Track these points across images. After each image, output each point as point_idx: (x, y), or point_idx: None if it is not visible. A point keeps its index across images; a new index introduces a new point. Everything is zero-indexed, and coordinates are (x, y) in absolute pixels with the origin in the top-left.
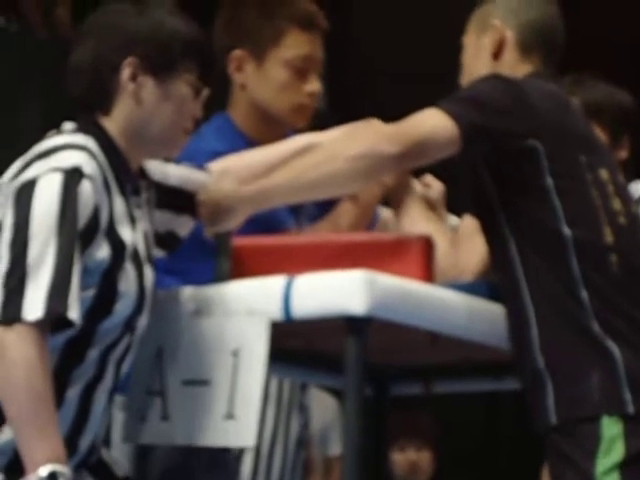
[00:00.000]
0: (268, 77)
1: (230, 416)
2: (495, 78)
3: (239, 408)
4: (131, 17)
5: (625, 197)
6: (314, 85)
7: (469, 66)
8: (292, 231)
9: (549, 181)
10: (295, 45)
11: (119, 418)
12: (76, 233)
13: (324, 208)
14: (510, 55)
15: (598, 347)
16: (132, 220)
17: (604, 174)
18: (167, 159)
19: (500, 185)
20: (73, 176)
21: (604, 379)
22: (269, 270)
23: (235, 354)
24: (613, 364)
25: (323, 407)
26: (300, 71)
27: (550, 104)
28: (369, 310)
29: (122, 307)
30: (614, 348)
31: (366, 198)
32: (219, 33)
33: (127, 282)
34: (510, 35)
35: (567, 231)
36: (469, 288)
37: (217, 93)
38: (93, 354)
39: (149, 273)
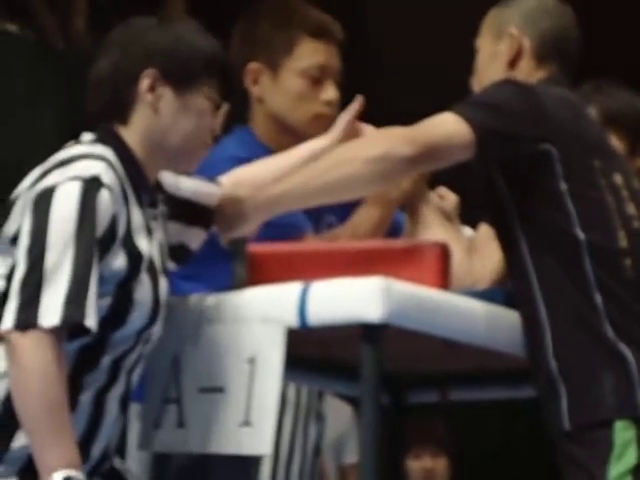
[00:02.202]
0: (284, 88)
1: (246, 423)
2: (509, 83)
3: (255, 415)
4: (152, 30)
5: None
6: (330, 93)
7: (483, 70)
8: (309, 237)
9: (563, 185)
10: (308, 54)
11: (135, 427)
12: (94, 241)
13: (344, 217)
14: (526, 63)
15: (611, 351)
16: (149, 231)
17: (618, 179)
18: (183, 172)
19: (514, 189)
20: (92, 185)
21: (617, 383)
22: (285, 277)
23: (251, 361)
24: (626, 368)
25: (338, 415)
26: (315, 80)
27: (564, 109)
28: (385, 317)
29: (136, 318)
30: (627, 352)
31: (384, 205)
32: (236, 47)
33: (142, 293)
34: (527, 44)
35: (581, 235)
36: (485, 295)
37: (238, 107)
38: (106, 361)
39: (164, 284)
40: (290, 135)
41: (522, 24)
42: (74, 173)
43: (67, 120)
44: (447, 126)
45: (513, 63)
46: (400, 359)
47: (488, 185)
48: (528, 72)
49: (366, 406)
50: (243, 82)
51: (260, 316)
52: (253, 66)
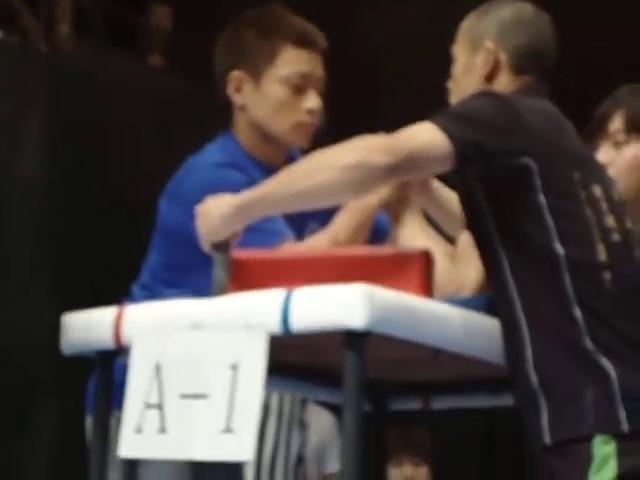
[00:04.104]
0: (265, 96)
1: (228, 430)
2: (488, 95)
3: (237, 422)
4: None
5: (619, 213)
6: (313, 102)
7: (459, 81)
8: (290, 243)
9: (542, 199)
10: (290, 62)
11: (115, 433)
12: None
13: (328, 224)
14: (502, 76)
15: (592, 365)
16: None
17: (597, 190)
18: None
19: (493, 203)
20: None
21: (598, 398)
22: (268, 283)
23: (233, 368)
24: (607, 382)
25: (321, 423)
26: (297, 88)
27: (543, 122)
28: (368, 324)
29: None
30: (608, 366)
31: (364, 210)
32: (219, 55)
33: None
34: (504, 58)
35: (560, 249)
36: (469, 303)
37: (223, 114)
38: None
39: None
40: (272, 143)
41: (498, 37)
42: None
43: (51, 124)
44: (426, 137)
45: (490, 77)
46: (383, 366)
47: (467, 196)
48: (505, 84)
49: (348, 413)
50: (226, 89)
51: (243, 322)
52: (236, 74)
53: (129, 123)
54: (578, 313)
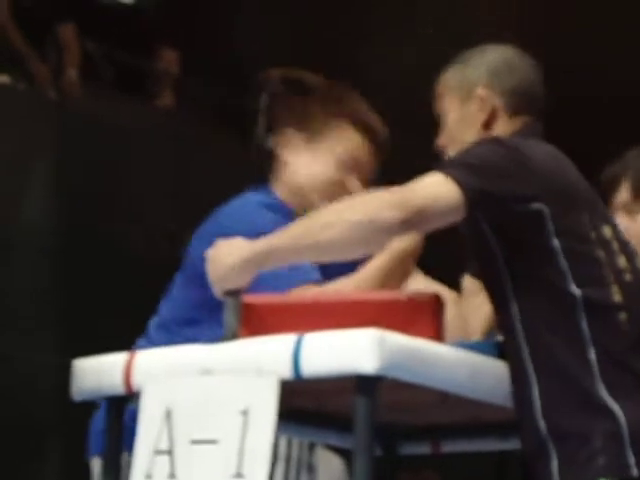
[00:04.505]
0: (313, 165)
1: (238, 475)
2: (493, 142)
3: (248, 467)
4: None
5: (629, 254)
6: (355, 190)
7: (455, 134)
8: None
9: (555, 242)
10: (347, 142)
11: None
12: None
13: (326, 275)
14: (500, 120)
15: (601, 409)
16: None
17: (607, 231)
18: None
19: (506, 249)
20: None
21: (607, 443)
22: (279, 328)
23: (244, 413)
24: (617, 427)
25: (329, 467)
26: (346, 169)
27: (549, 164)
28: (379, 369)
29: None
30: (618, 410)
31: (392, 257)
32: (277, 114)
33: None
34: (499, 102)
35: (577, 291)
36: (479, 347)
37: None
38: None
39: None
40: (304, 204)
41: (490, 82)
42: None
43: (59, 169)
44: (436, 188)
45: (487, 124)
46: (393, 410)
47: (478, 243)
48: (503, 127)
49: (359, 457)
50: (272, 141)
51: (254, 367)
52: (290, 131)
53: (137, 168)
54: (592, 356)
